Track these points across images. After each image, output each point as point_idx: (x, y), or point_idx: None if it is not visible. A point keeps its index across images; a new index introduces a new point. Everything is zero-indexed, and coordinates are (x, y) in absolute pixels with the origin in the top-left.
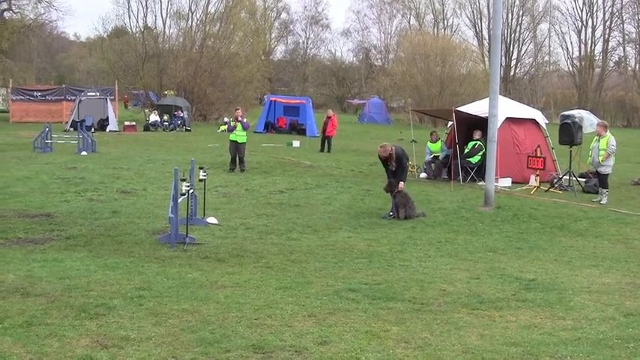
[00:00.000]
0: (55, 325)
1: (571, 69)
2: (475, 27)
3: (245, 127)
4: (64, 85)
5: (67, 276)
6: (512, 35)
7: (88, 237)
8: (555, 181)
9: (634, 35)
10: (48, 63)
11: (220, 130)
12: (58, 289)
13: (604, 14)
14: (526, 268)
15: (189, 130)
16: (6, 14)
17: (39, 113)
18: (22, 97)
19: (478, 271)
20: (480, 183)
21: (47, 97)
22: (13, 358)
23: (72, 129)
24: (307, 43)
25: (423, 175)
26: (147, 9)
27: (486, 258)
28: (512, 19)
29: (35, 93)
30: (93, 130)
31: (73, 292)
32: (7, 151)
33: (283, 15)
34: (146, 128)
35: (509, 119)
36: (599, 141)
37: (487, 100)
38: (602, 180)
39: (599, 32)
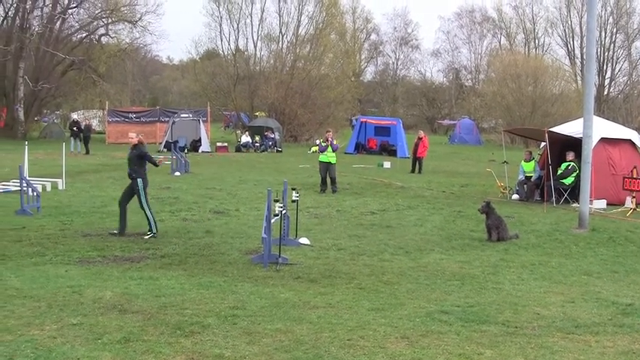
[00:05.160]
0: (152, 342)
1: None
2: (567, 46)
3: (334, 149)
4: (157, 107)
5: (163, 294)
6: (606, 54)
7: (183, 256)
8: None
9: None
10: (142, 85)
11: (312, 151)
12: (154, 307)
13: None
14: (623, 293)
15: (280, 151)
16: (103, 39)
17: None
18: (118, 119)
19: (573, 295)
20: (574, 205)
21: (142, 118)
22: None
23: (165, 150)
24: (397, 64)
25: (515, 196)
26: (238, 32)
27: (581, 281)
28: (605, 37)
29: (130, 114)
30: (186, 150)
31: (168, 309)
32: (103, 172)
33: (373, 36)
34: (238, 149)
35: (603, 140)
36: None
37: (580, 120)
38: None
39: None
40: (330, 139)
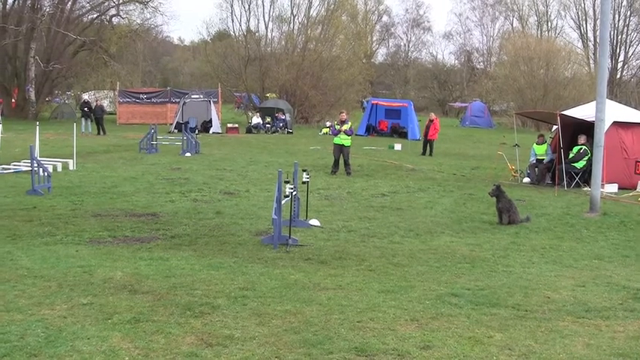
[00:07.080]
0: (162, 322)
1: None
2: (580, 29)
3: (348, 134)
4: (168, 88)
5: (173, 274)
6: (619, 37)
7: (193, 237)
8: None
9: None
10: (153, 66)
11: (322, 132)
12: (164, 287)
13: None
14: (634, 277)
15: (291, 133)
16: (114, 20)
17: (144, 115)
18: (129, 100)
19: (583, 279)
20: (585, 189)
21: (152, 99)
22: (122, 353)
23: (176, 131)
24: (408, 46)
25: (527, 179)
26: (250, 13)
27: (592, 265)
28: (619, 20)
29: (141, 95)
30: (197, 131)
31: (178, 290)
32: (114, 152)
33: (384, 18)
34: (248, 130)
35: (616, 123)
36: None
37: (593, 103)
38: None
39: None
40: (344, 121)
